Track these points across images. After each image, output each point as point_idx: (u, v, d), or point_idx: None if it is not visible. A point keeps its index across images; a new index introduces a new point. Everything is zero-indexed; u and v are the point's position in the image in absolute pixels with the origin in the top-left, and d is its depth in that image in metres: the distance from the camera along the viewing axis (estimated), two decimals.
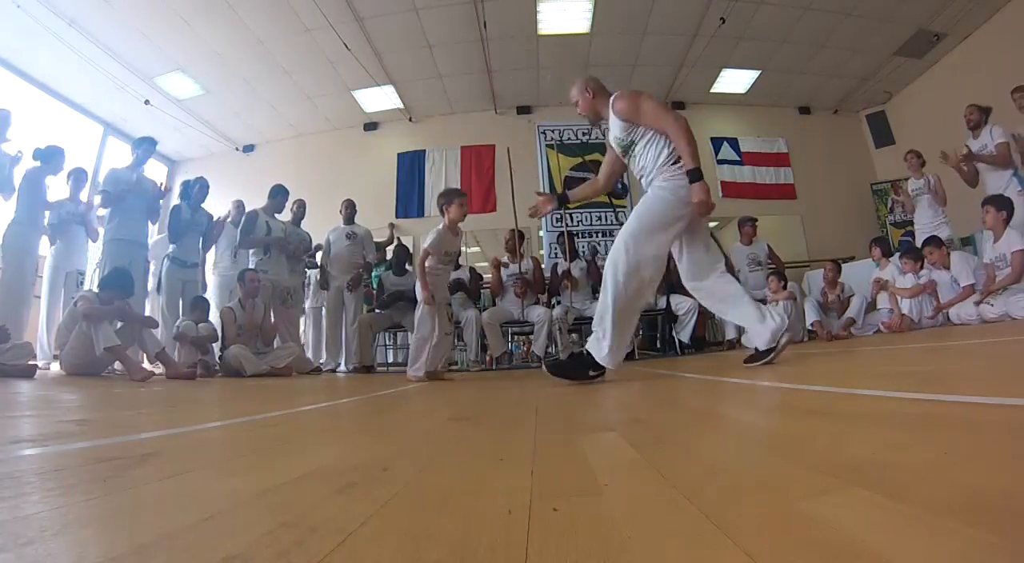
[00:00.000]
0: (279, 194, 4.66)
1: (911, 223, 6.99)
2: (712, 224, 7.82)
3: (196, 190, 4.48)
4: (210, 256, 4.93)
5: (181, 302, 4.25)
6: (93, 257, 4.60)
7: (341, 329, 4.76)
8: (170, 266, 4.29)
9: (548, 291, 5.20)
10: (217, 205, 5.05)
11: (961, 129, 4.47)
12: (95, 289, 3.59)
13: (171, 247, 4.36)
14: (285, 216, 4.88)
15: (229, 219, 4.86)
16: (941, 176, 4.81)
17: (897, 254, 4.54)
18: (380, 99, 7.11)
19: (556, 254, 6.75)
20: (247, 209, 4.88)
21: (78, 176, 4.24)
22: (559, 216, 6.97)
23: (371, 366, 4.74)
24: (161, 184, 4.40)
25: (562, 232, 5.36)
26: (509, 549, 0.40)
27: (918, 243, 4.45)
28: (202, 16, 5.27)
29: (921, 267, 4.12)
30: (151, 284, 4.52)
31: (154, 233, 4.76)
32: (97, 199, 4.27)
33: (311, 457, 0.87)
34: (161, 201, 4.40)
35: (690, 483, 0.55)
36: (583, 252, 5.28)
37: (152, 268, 4.52)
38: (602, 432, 1.00)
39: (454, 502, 0.54)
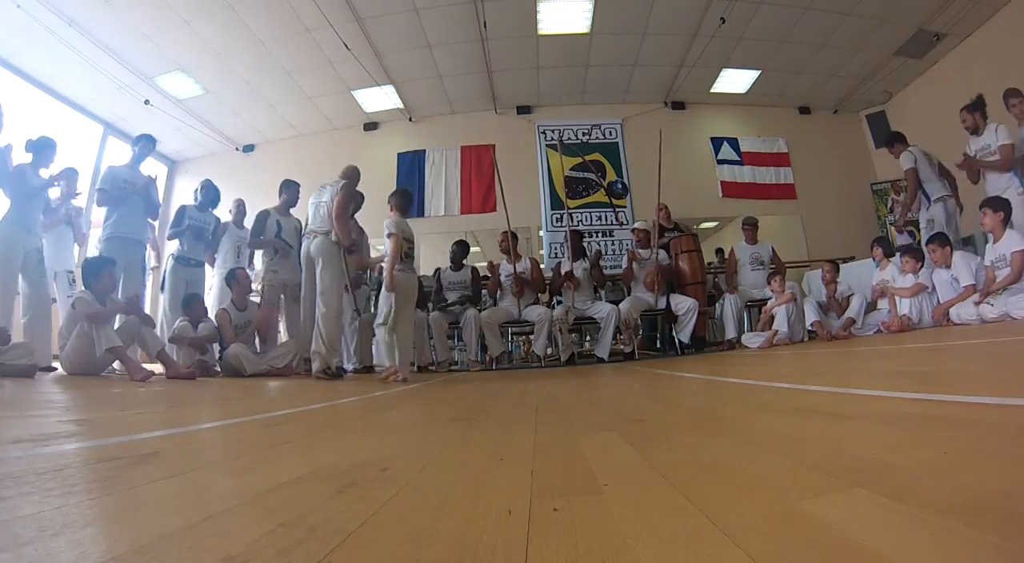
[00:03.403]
0: (288, 188, 4.63)
1: (911, 223, 7.00)
2: (712, 224, 7.92)
3: (203, 192, 4.49)
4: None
5: None
6: (81, 256, 4.60)
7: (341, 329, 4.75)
8: (175, 265, 4.27)
9: (549, 291, 5.18)
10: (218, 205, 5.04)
11: (961, 129, 4.46)
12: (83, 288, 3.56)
13: (175, 246, 4.36)
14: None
15: (231, 219, 4.85)
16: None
17: (898, 254, 4.51)
18: (380, 99, 7.12)
19: (557, 254, 6.74)
20: (246, 208, 4.88)
21: (70, 177, 4.19)
22: (559, 216, 6.97)
23: (371, 366, 4.74)
24: (152, 176, 4.34)
25: (568, 231, 5.35)
26: (509, 549, 0.40)
27: (923, 242, 4.44)
28: (202, 16, 5.27)
29: (921, 267, 4.11)
30: (151, 282, 4.52)
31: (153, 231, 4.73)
32: (87, 196, 4.25)
33: (311, 457, 0.87)
34: (160, 195, 4.38)
35: (690, 483, 0.55)
36: (590, 252, 5.25)
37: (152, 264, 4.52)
38: (602, 432, 1.00)
39: (454, 502, 0.54)
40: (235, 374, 3.81)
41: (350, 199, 3.76)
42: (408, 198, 3.74)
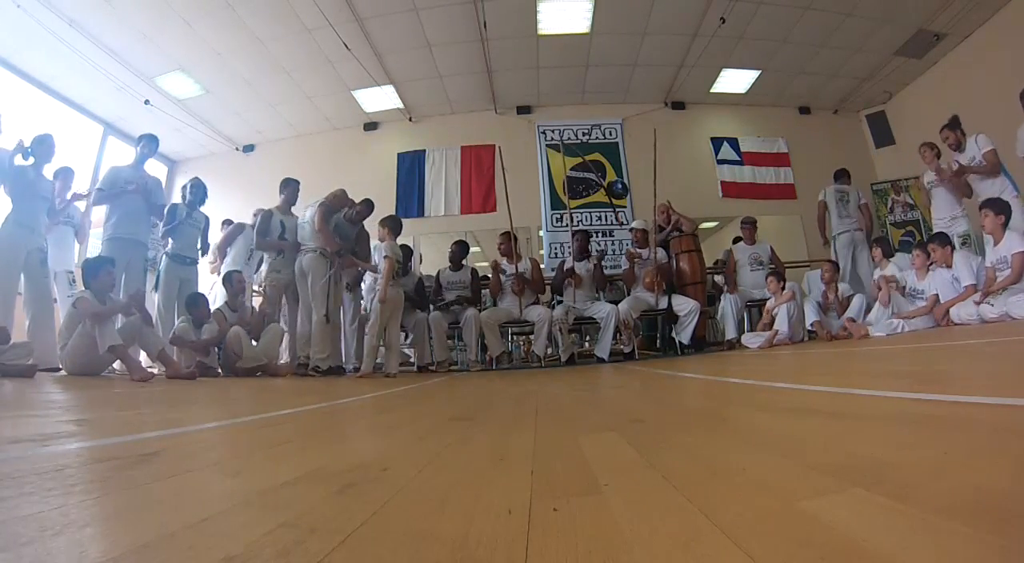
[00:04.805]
0: (287, 186, 4.64)
1: (911, 223, 7.01)
2: (712, 224, 7.93)
3: (190, 190, 4.47)
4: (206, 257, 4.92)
5: (177, 302, 4.24)
6: (82, 255, 4.60)
7: (341, 330, 4.76)
8: (169, 263, 4.25)
9: (551, 290, 5.19)
10: (218, 206, 5.05)
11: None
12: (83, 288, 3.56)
13: (170, 243, 4.36)
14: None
15: (254, 226, 4.83)
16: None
17: (913, 249, 4.45)
18: (380, 99, 7.11)
19: (557, 254, 6.74)
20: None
21: (66, 176, 4.18)
22: (560, 216, 6.97)
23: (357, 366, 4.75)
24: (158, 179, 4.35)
25: (576, 231, 5.37)
26: (509, 549, 0.40)
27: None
28: (202, 16, 5.27)
29: (931, 263, 4.09)
30: (150, 283, 4.51)
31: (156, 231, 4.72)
32: (90, 197, 4.25)
33: (311, 457, 0.87)
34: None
35: (690, 483, 0.55)
36: (593, 252, 5.26)
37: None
38: (602, 432, 1.00)
39: (454, 502, 0.54)
40: (233, 365, 3.83)
41: (328, 215, 4.26)
42: (400, 223, 4.42)
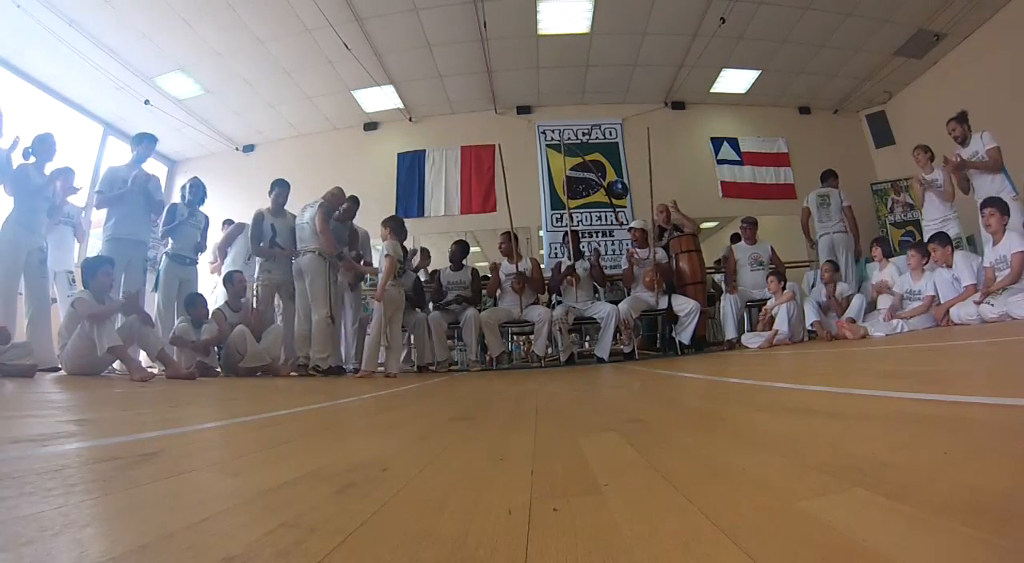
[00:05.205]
0: (275, 188, 4.61)
1: (911, 223, 7.01)
2: (712, 224, 7.91)
3: (190, 190, 4.47)
4: (206, 257, 4.92)
5: (177, 302, 4.24)
6: (81, 255, 4.62)
7: (341, 329, 4.76)
8: (169, 263, 4.24)
9: (549, 289, 5.19)
10: (218, 206, 5.04)
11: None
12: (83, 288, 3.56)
13: (170, 243, 4.35)
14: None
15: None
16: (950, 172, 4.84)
17: (909, 249, 4.47)
18: (380, 99, 7.11)
19: (557, 254, 6.75)
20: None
21: (66, 175, 4.17)
22: (559, 216, 6.97)
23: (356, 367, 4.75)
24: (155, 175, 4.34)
25: (567, 231, 5.37)
26: (509, 549, 0.40)
27: (925, 238, 4.44)
28: (202, 16, 5.27)
29: (927, 262, 4.09)
30: (150, 283, 4.52)
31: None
32: (91, 199, 4.27)
33: (311, 457, 0.87)
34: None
35: (690, 483, 0.55)
36: (587, 253, 5.27)
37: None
38: (602, 432, 1.00)
39: (454, 502, 0.54)
40: (235, 361, 3.83)
41: (328, 217, 4.30)
42: (403, 223, 4.44)
